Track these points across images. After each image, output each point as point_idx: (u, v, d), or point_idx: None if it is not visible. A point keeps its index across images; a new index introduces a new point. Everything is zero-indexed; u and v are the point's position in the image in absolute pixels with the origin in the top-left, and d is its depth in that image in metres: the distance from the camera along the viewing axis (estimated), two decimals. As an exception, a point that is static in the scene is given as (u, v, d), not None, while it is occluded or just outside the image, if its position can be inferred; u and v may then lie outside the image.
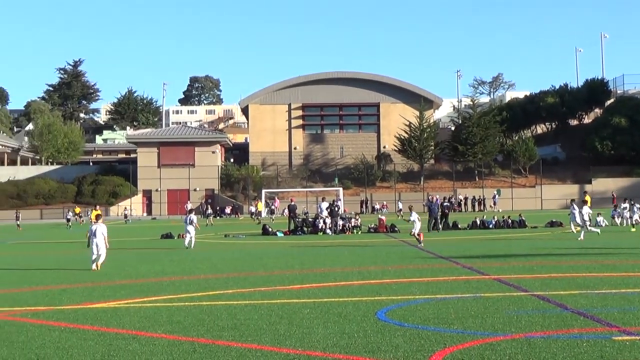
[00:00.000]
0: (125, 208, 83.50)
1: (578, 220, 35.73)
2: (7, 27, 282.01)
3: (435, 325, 12.31)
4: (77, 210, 77.54)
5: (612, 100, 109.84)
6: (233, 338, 11.63)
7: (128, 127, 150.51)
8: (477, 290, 16.52)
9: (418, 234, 33.23)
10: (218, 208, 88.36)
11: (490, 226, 47.32)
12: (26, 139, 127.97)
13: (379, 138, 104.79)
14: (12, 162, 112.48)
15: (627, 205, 48.61)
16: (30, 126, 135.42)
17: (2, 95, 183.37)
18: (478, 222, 47.49)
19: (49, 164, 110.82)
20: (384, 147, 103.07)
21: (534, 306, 14.21)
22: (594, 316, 12.79)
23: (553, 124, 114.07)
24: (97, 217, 24.97)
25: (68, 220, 68.00)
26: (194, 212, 36.94)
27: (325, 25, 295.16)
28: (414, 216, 34.30)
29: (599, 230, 36.40)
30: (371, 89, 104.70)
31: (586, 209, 35.66)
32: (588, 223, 35.30)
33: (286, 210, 55.04)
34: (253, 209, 74.63)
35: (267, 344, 11.09)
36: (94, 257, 23.83)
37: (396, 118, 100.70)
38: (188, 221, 34.62)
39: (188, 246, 33.94)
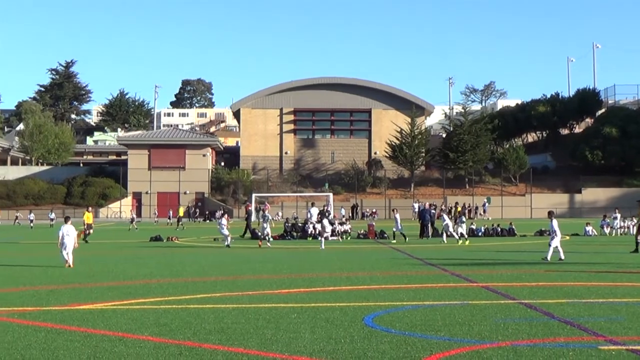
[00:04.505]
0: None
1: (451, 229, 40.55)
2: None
3: (422, 332, 12.31)
4: None
5: (603, 110, 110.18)
6: (219, 342, 11.61)
7: (119, 129, 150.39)
8: (464, 298, 16.53)
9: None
10: (207, 212, 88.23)
11: (480, 234, 47.31)
12: (17, 139, 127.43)
13: (370, 144, 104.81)
14: (2, 162, 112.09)
15: (617, 215, 48.78)
16: (21, 126, 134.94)
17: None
18: (467, 230, 47.36)
19: (39, 164, 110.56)
20: (375, 153, 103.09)
21: (521, 314, 14.22)
22: (581, 325, 12.81)
23: (544, 133, 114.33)
24: (66, 218, 25.69)
25: (52, 220, 69.36)
26: (226, 216, 39.77)
27: (319, 31, 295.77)
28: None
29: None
30: (363, 95, 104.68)
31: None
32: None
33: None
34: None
35: (253, 348, 11.08)
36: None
37: (388, 124, 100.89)
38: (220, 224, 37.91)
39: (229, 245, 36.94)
